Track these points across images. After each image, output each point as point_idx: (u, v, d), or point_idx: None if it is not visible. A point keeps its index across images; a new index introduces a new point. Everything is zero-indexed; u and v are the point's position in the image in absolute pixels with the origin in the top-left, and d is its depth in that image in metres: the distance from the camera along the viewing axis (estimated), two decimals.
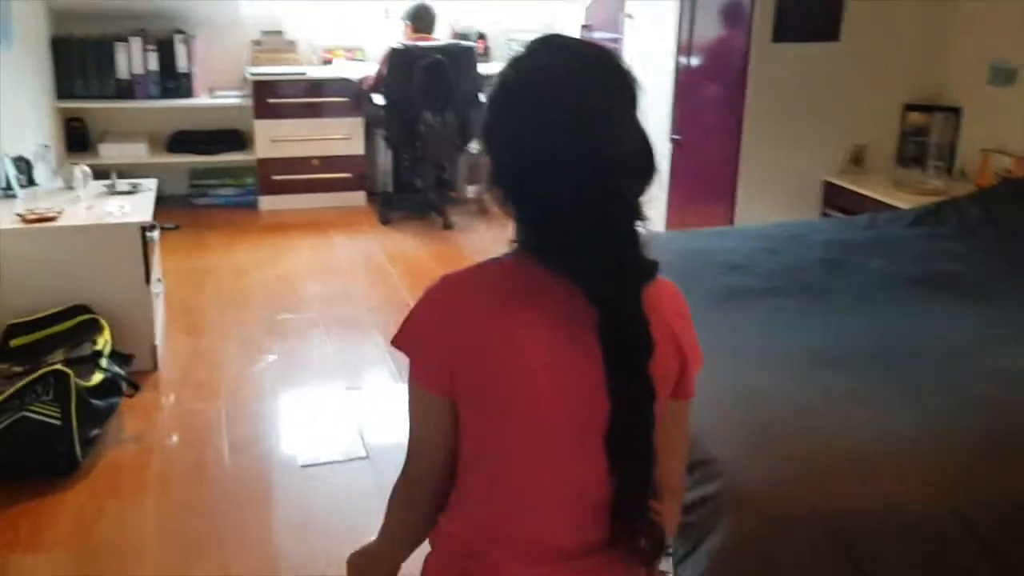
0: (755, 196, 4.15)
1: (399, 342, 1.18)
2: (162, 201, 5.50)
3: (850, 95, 4.11)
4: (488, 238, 5.12)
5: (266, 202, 5.51)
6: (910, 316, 2.52)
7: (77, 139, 5.29)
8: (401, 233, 5.18)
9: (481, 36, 6.03)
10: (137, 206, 3.41)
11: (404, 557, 1.29)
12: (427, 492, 1.21)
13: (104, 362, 2.93)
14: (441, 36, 5.62)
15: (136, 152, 5.26)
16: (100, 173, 5.26)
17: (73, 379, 2.70)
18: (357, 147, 5.55)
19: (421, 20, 5.18)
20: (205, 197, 5.56)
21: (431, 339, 1.15)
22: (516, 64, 1.13)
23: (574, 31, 5.71)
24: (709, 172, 4.39)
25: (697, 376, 1.22)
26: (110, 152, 5.22)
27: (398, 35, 5.32)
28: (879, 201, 3.85)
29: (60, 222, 3.19)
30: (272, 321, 3.93)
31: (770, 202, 4.16)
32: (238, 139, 5.54)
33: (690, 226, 4.51)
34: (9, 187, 3.42)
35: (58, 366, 2.74)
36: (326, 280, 4.43)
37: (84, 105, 5.18)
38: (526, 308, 1.11)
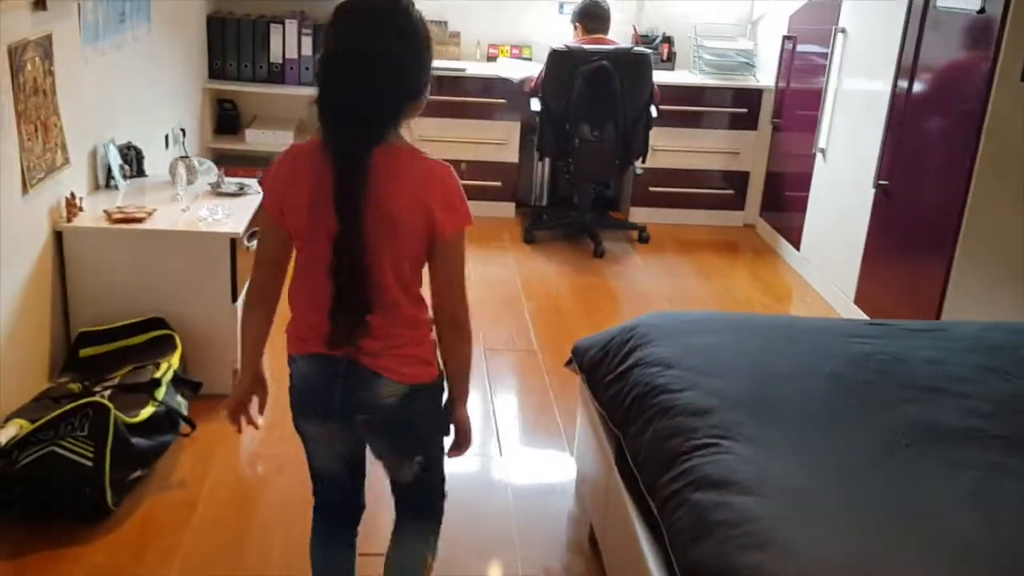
0: (977, 267, 3.32)
1: (262, 185, 1.70)
2: None
3: None
4: (644, 274, 4.49)
5: None
6: None
7: (227, 122, 5.08)
8: (544, 256, 4.64)
9: (666, 40, 5.38)
10: (236, 212, 3.03)
11: (260, 353, 1.82)
12: (267, 294, 1.76)
13: (161, 393, 2.56)
14: (619, 38, 5.02)
15: (281, 140, 4.98)
16: (244, 159, 5.10)
17: (113, 414, 2.34)
18: (511, 154, 5.05)
19: (592, 20, 4.60)
20: None
21: (271, 186, 1.66)
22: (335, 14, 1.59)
23: (775, 41, 4.95)
24: (920, 231, 3.58)
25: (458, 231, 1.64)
26: (256, 138, 4.98)
27: (568, 35, 4.77)
28: None
29: (147, 224, 2.86)
30: None
31: (995, 277, 3.32)
32: None
33: (882, 302, 3.71)
34: (111, 177, 3.14)
35: (98, 398, 2.39)
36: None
37: (235, 87, 4.95)
38: (308, 165, 1.60)
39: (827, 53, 4.36)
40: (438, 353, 1.74)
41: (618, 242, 4.89)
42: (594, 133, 4.33)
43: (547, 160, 5.13)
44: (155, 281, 2.87)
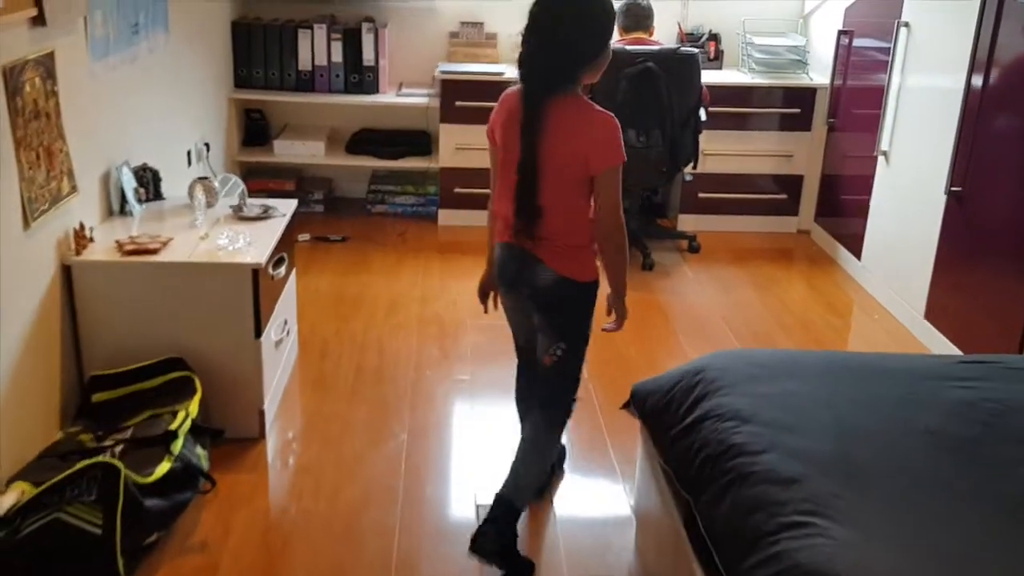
0: None
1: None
2: (337, 205, 5.06)
3: None
4: (696, 287, 4.20)
5: (445, 216, 4.86)
6: None
7: (256, 133, 4.88)
8: None
9: (713, 37, 5.07)
10: (259, 238, 2.81)
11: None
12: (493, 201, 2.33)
13: (177, 446, 2.34)
14: (664, 37, 4.74)
15: (312, 151, 4.77)
16: (273, 171, 4.89)
17: (124, 476, 2.12)
18: None
19: (633, 18, 4.32)
20: (382, 204, 4.99)
21: (492, 118, 2.25)
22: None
23: (829, 36, 4.63)
24: (1000, 242, 3.27)
25: (609, 166, 2.11)
26: (286, 150, 4.77)
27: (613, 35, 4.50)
28: None
29: (161, 256, 2.64)
30: (415, 381, 3.24)
31: None
32: (424, 143, 4.93)
33: (958, 318, 3.39)
34: (126, 202, 2.93)
35: (107, 457, 2.17)
36: (488, 328, 3.70)
37: (262, 96, 4.74)
38: (511, 105, 2.17)
39: (889, 48, 4.04)
40: (596, 262, 2.23)
41: (667, 252, 4.61)
42: (640, 139, 4.05)
43: None
44: (172, 317, 2.65)
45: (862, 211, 4.30)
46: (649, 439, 2.23)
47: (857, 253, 4.38)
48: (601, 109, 2.11)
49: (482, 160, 4.90)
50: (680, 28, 5.08)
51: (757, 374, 2.11)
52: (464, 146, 4.69)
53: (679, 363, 2.92)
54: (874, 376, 2.15)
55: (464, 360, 3.42)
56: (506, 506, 2.18)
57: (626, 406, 2.37)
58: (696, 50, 4.25)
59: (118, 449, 2.30)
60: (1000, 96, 3.27)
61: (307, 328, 3.53)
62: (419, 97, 4.76)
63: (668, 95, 4.05)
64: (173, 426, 2.36)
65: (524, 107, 2.10)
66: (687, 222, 4.92)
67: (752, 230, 4.94)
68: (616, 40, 4.37)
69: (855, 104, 4.50)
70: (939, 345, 3.60)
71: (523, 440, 2.32)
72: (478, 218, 4.82)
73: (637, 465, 2.46)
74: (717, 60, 5.06)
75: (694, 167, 4.37)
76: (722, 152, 4.76)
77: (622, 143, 2.12)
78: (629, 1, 4.37)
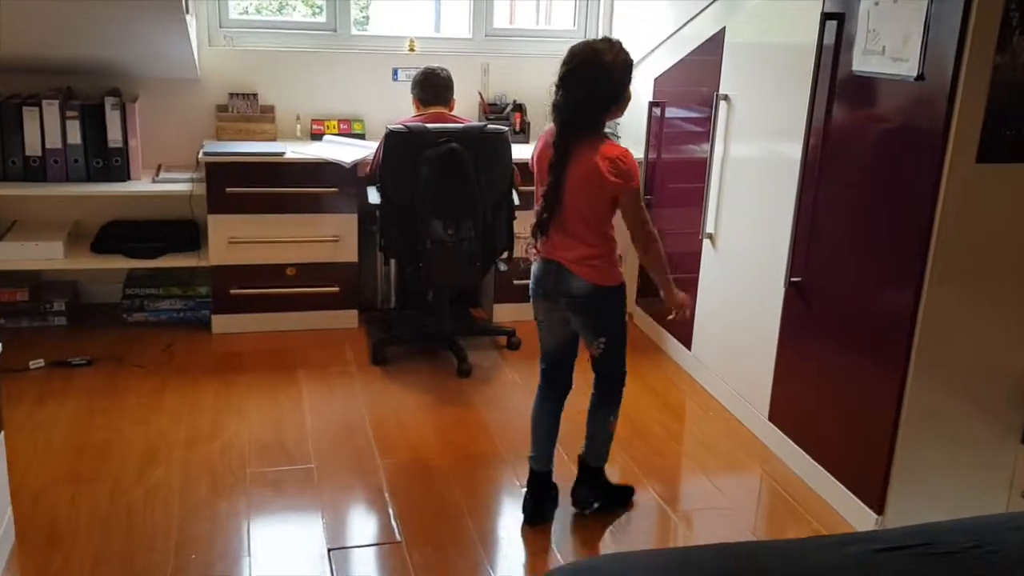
0: (937, 384, 2.71)
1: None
2: (84, 315, 4.10)
3: None
4: (521, 395, 3.67)
5: (221, 322, 4.11)
6: None
7: None
8: (399, 383, 3.74)
9: (518, 107, 4.65)
10: None
11: None
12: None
13: None
14: (463, 110, 4.25)
15: (48, 252, 3.89)
16: (4, 277, 3.98)
17: None
18: (348, 252, 4.15)
19: (432, 91, 3.81)
20: (141, 311, 4.17)
21: (535, 150, 2.67)
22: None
23: (639, 107, 4.30)
24: (846, 336, 2.95)
25: (627, 191, 2.52)
26: (14, 253, 3.88)
27: (409, 106, 3.96)
28: None
29: None
30: (175, 572, 2.48)
31: (946, 400, 2.73)
32: (191, 236, 4.16)
33: (811, 423, 2.98)
34: None
35: None
36: (277, 474, 3.00)
37: None
38: (548, 140, 2.59)
39: (707, 121, 3.74)
40: (619, 268, 2.63)
41: (485, 351, 4.07)
42: (448, 232, 3.49)
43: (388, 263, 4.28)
44: None
45: (688, 293, 3.94)
46: None
47: (686, 342, 4.02)
48: (618, 145, 2.56)
49: (263, 255, 4.27)
50: (481, 98, 4.63)
51: None
52: (239, 239, 3.98)
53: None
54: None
55: (241, 536, 2.66)
56: (588, 469, 2.87)
57: None
58: (505, 127, 3.77)
59: None
60: (846, 183, 2.97)
61: (28, 502, 2.69)
62: (182, 183, 4.00)
63: (477, 178, 3.53)
64: None
65: (555, 146, 2.52)
66: (503, 313, 4.42)
67: None
68: (412, 116, 3.83)
69: (673, 179, 4.18)
70: (787, 451, 3.25)
71: (591, 410, 2.83)
72: (260, 323, 4.12)
73: None
74: (523, 133, 4.63)
75: (509, 256, 3.88)
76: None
77: (638, 171, 2.60)
78: (427, 70, 3.86)
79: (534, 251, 2.68)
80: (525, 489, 2.85)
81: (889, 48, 2.70)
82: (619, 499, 2.92)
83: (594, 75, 2.47)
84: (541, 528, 2.77)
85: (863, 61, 2.81)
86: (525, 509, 2.81)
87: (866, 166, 2.85)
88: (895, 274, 2.73)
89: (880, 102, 2.79)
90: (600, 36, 2.69)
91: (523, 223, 4.06)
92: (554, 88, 2.51)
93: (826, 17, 2.95)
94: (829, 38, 2.95)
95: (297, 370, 3.77)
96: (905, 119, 2.68)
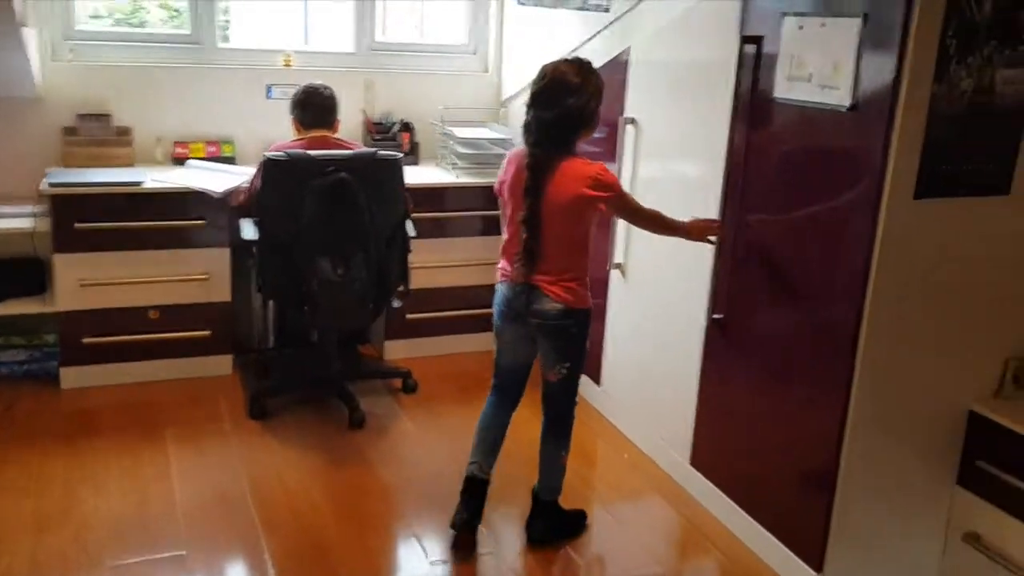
0: (878, 424, 2.54)
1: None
2: None
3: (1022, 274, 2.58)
4: (420, 447, 3.33)
5: (71, 376, 3.59)
6: None
7: None
8: (281, 439, 3.32)
9: (405, 127, 4.32)
10: None
11: None
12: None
13: None
14: (347, 131, 3.89)
15: None
16: None
17: None
18: (220, 290, 3.71)
19: (314, 112, 3.42)
20: None
21: (501, 175, 2.66)
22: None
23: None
24: (772, 375, 2.76)
25: (613, 197, 2.54)
26: None
27: (287, 128, 3.56)
28: None
29: None
30: None
31: (885, 443, 2.58)
32: (35, 278, 3.63)
33: (738, 465, 2.74)
34: None
35: None
36: (142, 566, 2.55)
37: None
38: (516, 166, 2.57)
39: (612, 146, 3.51)
40: (588, 292, 2.63)
41: (379, 397, 3.71)
42: (338, 271, 3.12)
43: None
44: None
45: (596, 326, 3.70)
46: None
47: (595, 377, 3.78)
48: (590, 162, 2.53)
49: (120, 298, 3.75)
50: (366, 116, 4.28)
51: None
52: (92, 281, 3.49)
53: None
54: None
55: None
56: (542, 503, 2.84)
57: None
58: (399, 154, 3.42)
59: None
60: (763, 205, 2.79)
61: None
62: (21, 218, 3.47)
63: (369, 210, 3.18)
64: None
65: (529, 167, 2.50)
66: (395, 349, 4.07)
67: (469, 349, 4.19)
68: (292, 140, 3.44)
69: None
70: (713, 500, 3.04)
71: (542, 444, 2.82)
72: (118, 374, 3.62)
73: None
74: (412, 154, 4.30)
75: (404, 290, 3.54)
76: (427, 264, 3.98)
77: (617, 178, 2.67)
78: (308, 89, 3.47)
79: (501, 274, 2.67)
80: (459, 500, 2.78)
81: (816, 75, 2.52)
82: (574, 527, 2.91)
83: (563, 95, 2.47)
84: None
85: (788, 88, 2.62)
86: (457, 518, 2.75)
87: (795, 198, 2.66)
88: (829, 314, 2.54)
89: (808, 131, 2.60)
90: (571, 56, 2.60)
91: (421, 253, 3.78)
92: (525, 108, 2.52)
93: (745, 40, 2.76)
94: (748, 61, 2.76)
95: (163, 429, 3.32)
96: (837, 151, 2.50)
